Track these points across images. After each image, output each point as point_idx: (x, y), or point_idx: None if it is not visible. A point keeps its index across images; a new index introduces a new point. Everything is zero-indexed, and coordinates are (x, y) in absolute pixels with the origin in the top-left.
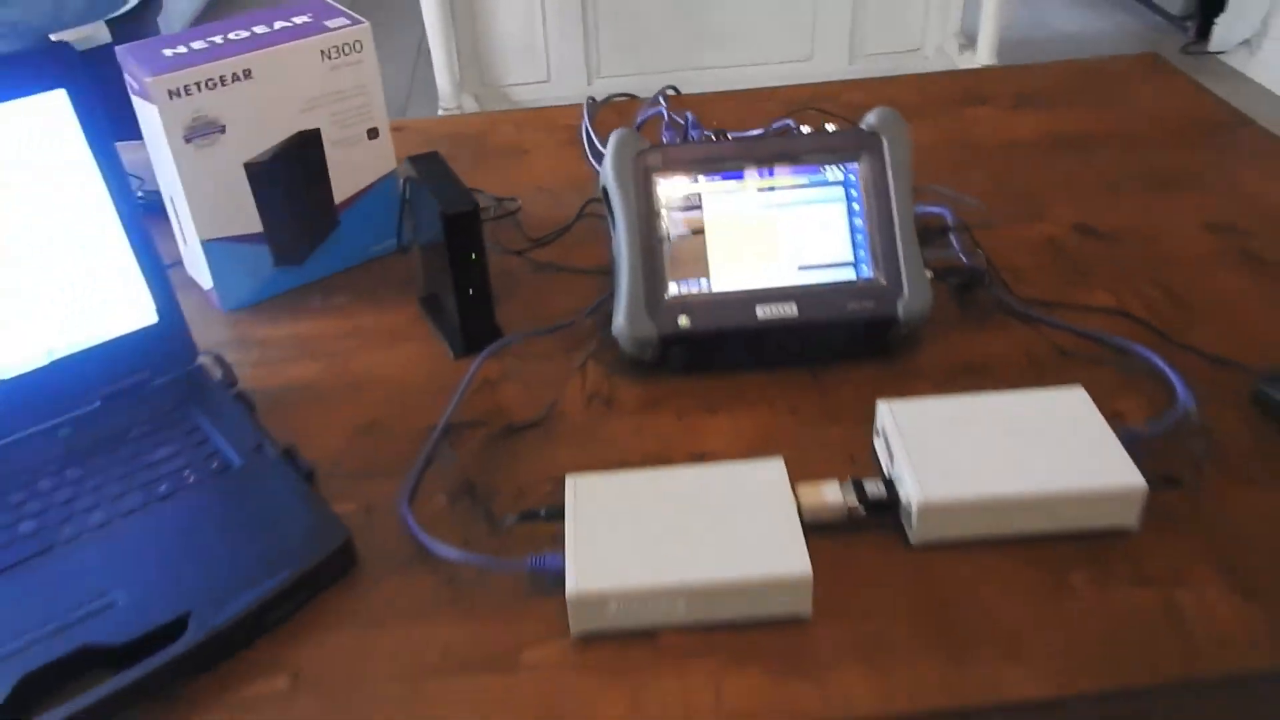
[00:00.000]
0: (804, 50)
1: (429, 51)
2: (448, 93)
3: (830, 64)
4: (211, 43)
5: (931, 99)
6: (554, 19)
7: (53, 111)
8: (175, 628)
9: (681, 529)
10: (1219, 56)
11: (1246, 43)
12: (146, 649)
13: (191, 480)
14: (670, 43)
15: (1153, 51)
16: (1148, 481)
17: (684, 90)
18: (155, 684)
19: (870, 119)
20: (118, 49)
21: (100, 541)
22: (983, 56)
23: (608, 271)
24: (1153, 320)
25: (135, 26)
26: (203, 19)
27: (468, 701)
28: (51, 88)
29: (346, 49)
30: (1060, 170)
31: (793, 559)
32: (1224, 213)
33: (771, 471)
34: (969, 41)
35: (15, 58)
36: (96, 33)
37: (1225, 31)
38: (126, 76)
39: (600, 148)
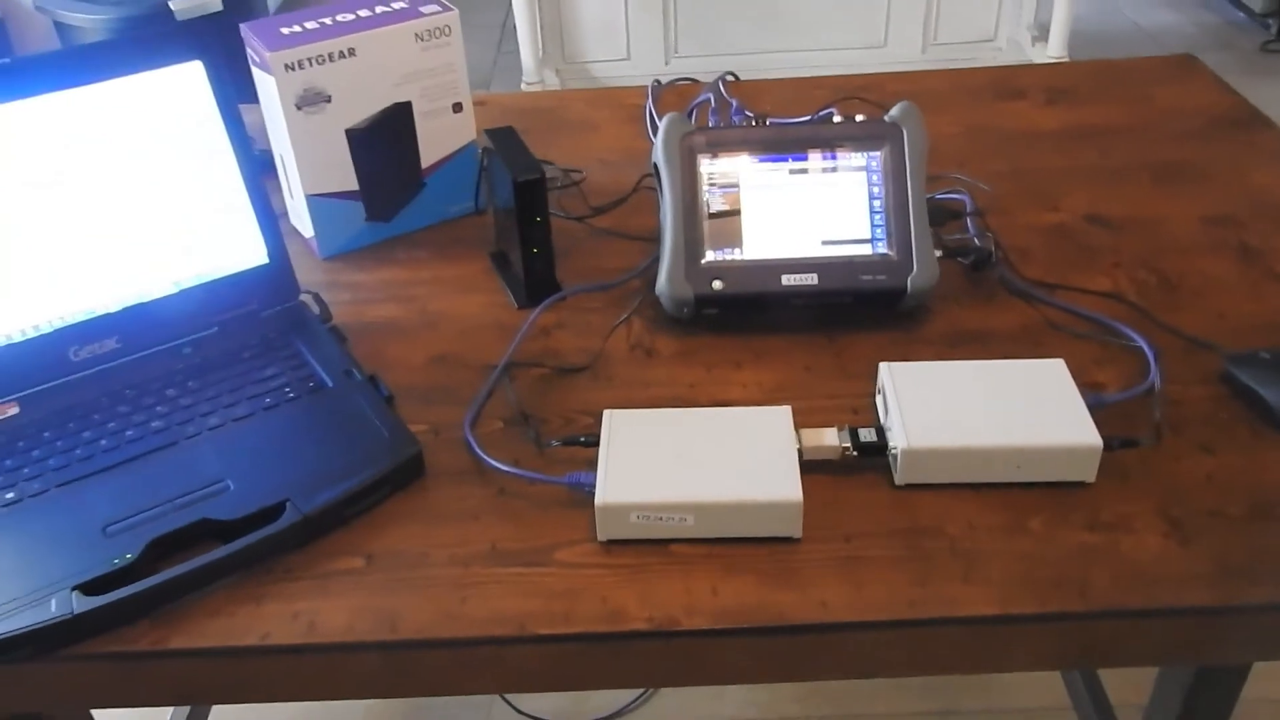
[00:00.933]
0: (877, 38)
1: (514, 29)
2: (531, 68)
3: (903, 51)
4: (322, 24)
5: (968, 90)
6: (635, 2)
7: (190, 80)
8: (275, 511)
9: (697, 459)
10: None
11: None
12: (251, 526)
13: (291, 396)
14: (745, 26)
15: (1189, 53)
16: (1106, 443)
17: (754, 74)
18: (256, 555)
19: (894, 112)
20: (242, 26)
21: (215, 439)
22: (1054, 49)
23: (656, 239)
24: (1142, 303)
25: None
26: (291, 5)
27: (507, 585)
28: (190, 59)
29: (437, 32)
30: (1078, 162)
31: (788, 487)
32: (1225, 206)
33: (779, 417)
34: (1042, 34)
35: (161, 33)
36: (208, 1)
37: None
38: (249, 50)
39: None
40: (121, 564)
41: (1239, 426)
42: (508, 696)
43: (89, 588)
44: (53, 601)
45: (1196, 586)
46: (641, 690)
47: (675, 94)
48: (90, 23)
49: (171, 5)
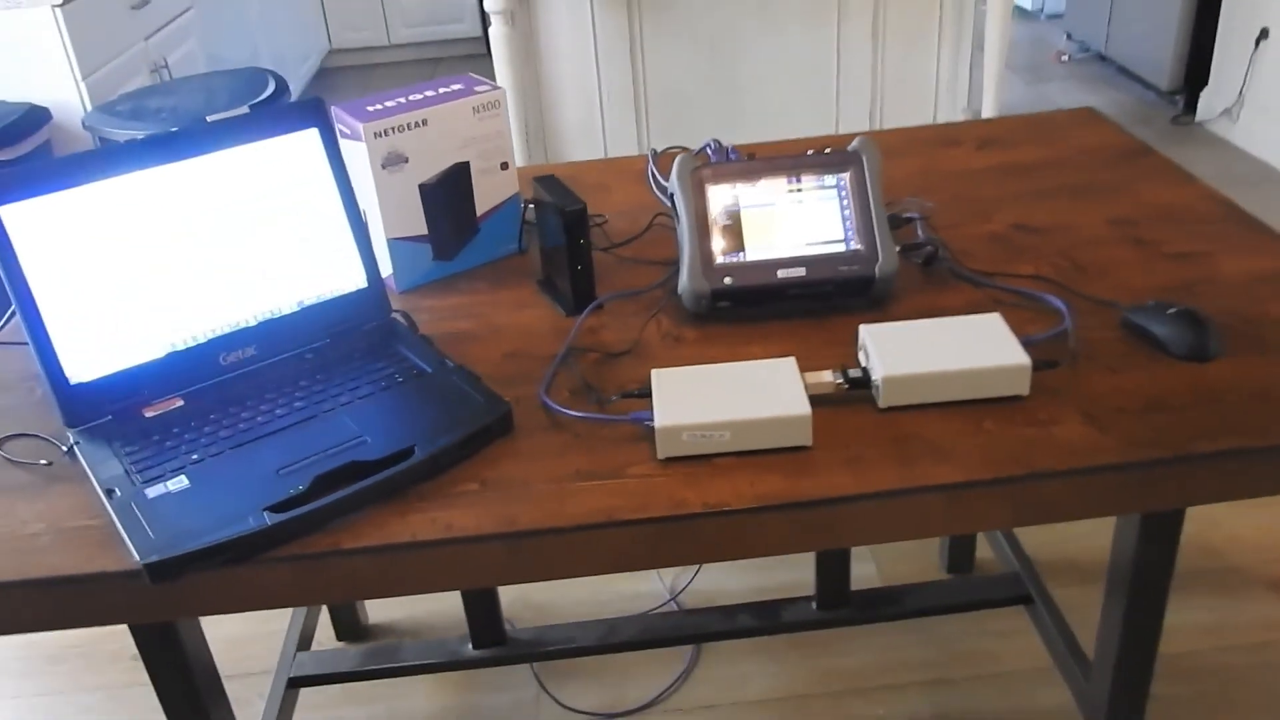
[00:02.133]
0: (829, 125)
1: None
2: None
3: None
4: (399, 102)
5: (916, 142)
6: (610, 106)
7: (308, 143)
8: (405, 454)
9: (727, 394)
10: (1204, 125)
11: (1227, 112)
12: (388, 465)
13: (400, 380)
14: (711, 121)
15: (1089, 107)
16: (1034, 364)
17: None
18: (396, 485)
19: (854, 144)
20: (333, 106)
21: (348, 411)
22: None
23: (669, 262)
24: (1060, 280)
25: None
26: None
27: (594, 492)
28: (307, 127)
29: (489, 106)
30: (1007, 189)
31: (799, 405)
32: (1124, 212)
33: (787, 364)
34: (975, 116)
35: (287, 107)
36: (237, 110)
37: (1209, 102)
38: (338, 125)
39: (662, 182)
40: (296, 492)
41: (1136, 354)
42: (551, 690)
43: (275, 509)
44: (250, 518)
45: (1109, 454)
46: (673, 680)
47: (668, 159)
48: (133, 139)
49: (208, 119)
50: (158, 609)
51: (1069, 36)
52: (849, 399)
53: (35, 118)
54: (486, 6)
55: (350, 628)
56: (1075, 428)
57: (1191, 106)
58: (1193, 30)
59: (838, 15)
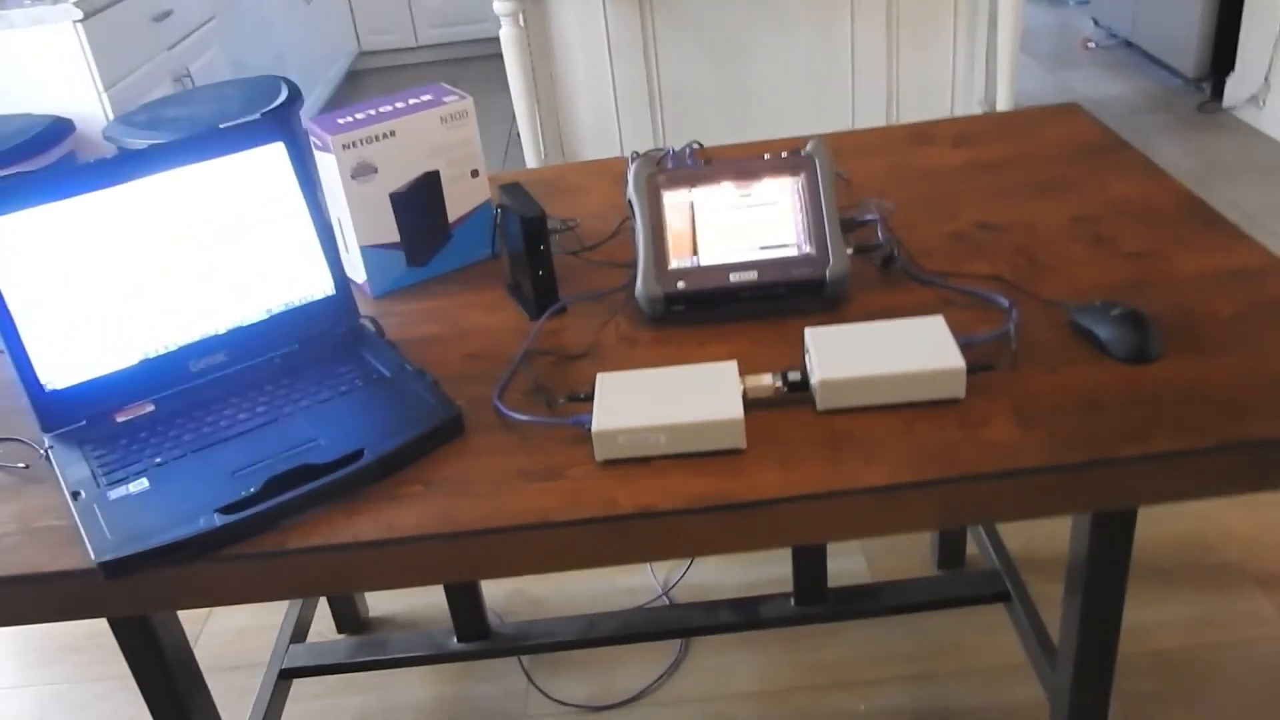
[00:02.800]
0: (845, 121)
1: (518, 137)
2: (534, 167)
3: None
4: (369, 114)
5: (891, 141)
6: (624, 105)
7: (274, 157)
8: (355, 456)
9: (666, 398)
10: (1231, 112)
11: (1253, 98)
12: (338, 468)
13: (359, 384)
14: (725, 120)
15: (1074, 103)
16: (968, 366)
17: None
18: (344, 487)
19: (807, 148)
20: (305, 120)
21: (307, 414)
22: None
23: (633, 264)
24: (1015, 279)
25: (283, 116)
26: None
27: (532, 492)
28: (274, 141)
29: (457, 115)
30: (975, 186)
31: (732, 409)
32: (1087, 209)
33: (727, 368)
34: (991, 108)
35: (253, 123)
36: (249, 118)
37: (1235, 89)
38: (311, 136)
39: None
40: (248, 494)
41: (1077, 355)
42: (540, 683)
43: (226, 510)
44: (201, 519)
45: (1034, 455)
46: (661, 673)
47: (651, 160)
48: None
49: (220, 126)
50: (116, 605)
51: (1096, 23)
52: (790, 401)
53: (58, 129)
54: (495, 9)
55: (350, 620)
56: (1006, 429)
57: (1218, 93)
58: (1219, 17)
59: (851, 10)
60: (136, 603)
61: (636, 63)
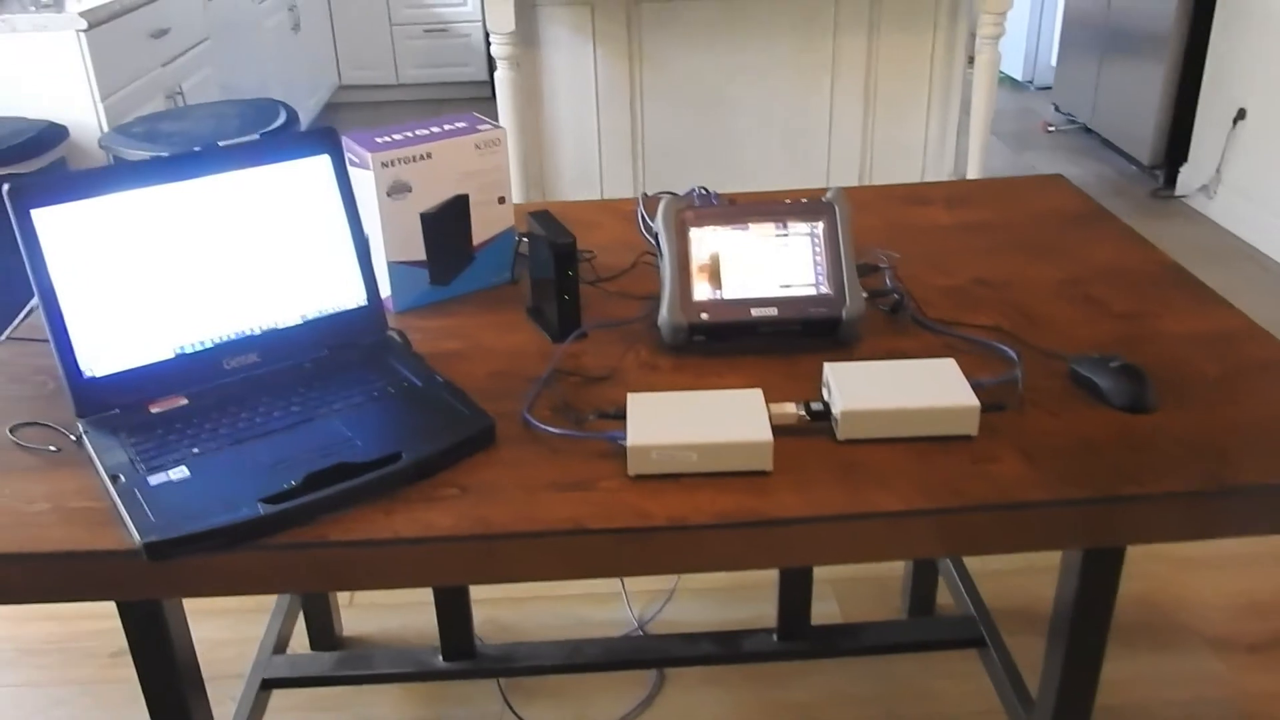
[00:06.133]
0: (819, 181)
1: None
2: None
3: None
4: (406, 136)
5: (889, 199)
6: (608, 151)
7: (320, 169)
8: (393, 458)
9: (696, 419)
10: (1183, 200)
11: (1204, 188)
12: (376, 468)
13: (391, 392)
14: (704, 172)
15: (1058, 174)
16: (981, 405)
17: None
18: (381, 487)
19: (829, 195)
20: (344, 135)
21: (341, 416)
22: None
23: (650, 297)
24: (1013, 330)
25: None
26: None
27: (565, 501)
28: (320, 154)
29: (491, 143)
30: (969, 245)
31: (761, 433)
32: (1076, 272)
33: (753, 394)
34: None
35: (300, 134)
36: (250, 140)
37: (1188, 178)
38: (348, 153)
39: (650, 224)
40: (288, 487)
41: (1077, 402)
42: (516, 708)
43: (268, 501)
44: (244, 508)
45: (1039, 490)
46: (635, 705)
47: (656, 202)
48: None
49: (220, 144)
50: (151, 587)
51: (1056, 108)
52: (810, 430)
53: (52, 135)
54: (494, 53)
55: (324, 637)
56: (1013, 465)
57: (1171, 181)
58: (1174, 108)
59: (831, 78)
60: (175, 585)
61: (622, 111)
